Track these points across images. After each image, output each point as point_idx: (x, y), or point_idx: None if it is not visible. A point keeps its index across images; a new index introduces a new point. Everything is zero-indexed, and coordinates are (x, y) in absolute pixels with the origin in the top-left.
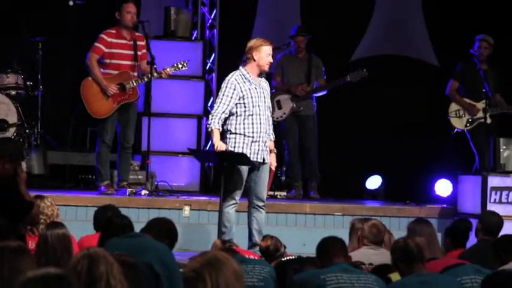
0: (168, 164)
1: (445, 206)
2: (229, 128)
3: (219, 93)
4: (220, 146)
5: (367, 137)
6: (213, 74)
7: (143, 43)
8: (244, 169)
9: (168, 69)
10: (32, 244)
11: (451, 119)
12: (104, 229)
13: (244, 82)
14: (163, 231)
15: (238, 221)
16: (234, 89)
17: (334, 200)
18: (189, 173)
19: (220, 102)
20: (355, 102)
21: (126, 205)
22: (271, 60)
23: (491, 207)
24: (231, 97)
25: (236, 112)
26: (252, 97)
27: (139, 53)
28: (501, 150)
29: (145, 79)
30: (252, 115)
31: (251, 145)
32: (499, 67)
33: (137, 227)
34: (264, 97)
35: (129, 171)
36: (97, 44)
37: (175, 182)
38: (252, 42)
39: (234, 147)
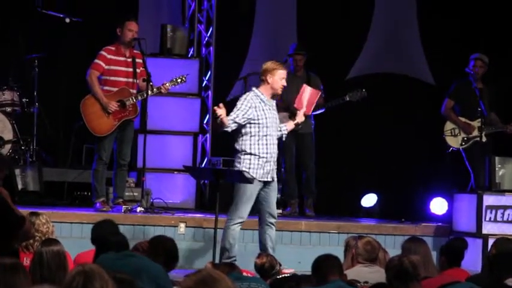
0: (163, 181)
1: (440, 224)
2: (243, 148)
3: (235, 108)
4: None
5: (362, 155)
6: (209, 92)
7: (141, 60)
8: (255, 188)
9: (167, 84)
10: (26, 261)
11: (447, 137)
12: (99, 246)
13: (260, 103)
14: (160, 251)
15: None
16: (250, 107)
17: (330, 218)
18: (184, 190)
19: (234, 112)
20: (352, 120)
21: (121, 222)
22: (285, 84)
23: (486, 225)
24: (246, 111)
25: (250, 132)
26: (266, 118)
27: (138, 70)
28: (496, 168)
29: (145, 95)
30: (266, 136)
31: (264, 165)
32: (494, 86)
33: (132, 244)
34: (276, 118)
35: (124, 188)
36: (97, 61)
37: (170, 199)
38: (267, 65)
39: (249, 168)
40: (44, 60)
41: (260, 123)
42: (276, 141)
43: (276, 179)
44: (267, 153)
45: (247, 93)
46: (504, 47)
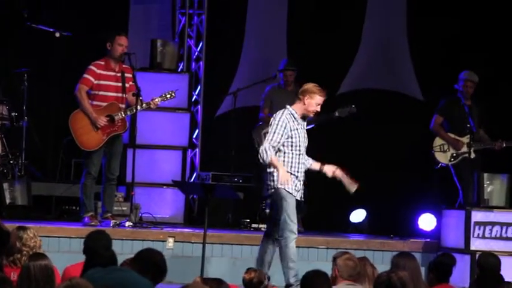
0: (152, 196)
1: (428, 240)
2: None
3: (270, 129)
4: (285, 174)
5: (351, 170)
6: (199, 106)
7: (130, 75)
8: (293, 202)
9: (156, 100)
10: (14, 275)
11: (436, 153)
12: (88, 260)
13: (293, 121)
14: (149, 264)
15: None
16: (285, 128)
17: (318, 233)
18: (173, 204)
19: (271, 138)
20: (341, 136)
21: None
22: (319, 110)
23: (474, 242)
24: (282, 134)
25: (284, 150)
26: (299, 137)
27: (127, 85)
28: (485, 185)
29: (134, 110)
30: (298, 155)
31: (296, 183)
32: (483, 103)
33: (120, 259)
34: (305, 138)
35: (113, 202)
36: (86, 76)
37: (159, 214)
38: (308, 86)
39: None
40: (34, 74)
41: (293, 142)
42: (305, 160)
43: (303, 199)
44: (298, 171)
45: (281, 113)
46: (492, 63)
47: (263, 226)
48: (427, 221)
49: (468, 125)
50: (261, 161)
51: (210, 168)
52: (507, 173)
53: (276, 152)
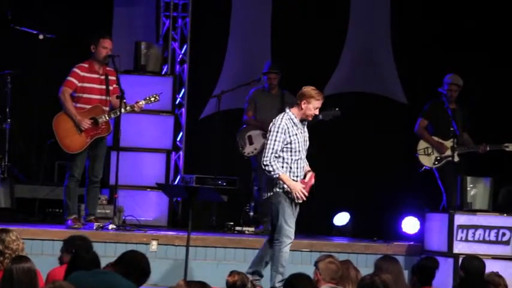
0: (136, 199)
1: (412, 243)
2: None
3: (270, 137)
4: (297, 187)
5: (335, 174)
6: (183, 109)
7: (114, 78)
8: (291, 207)
9: (140, 103)
10: None
11: (420, 156)
12: (70, 262)
13: (293, 126)
14: (132, 266)
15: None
16: (284, 134)
17: (302, 236)
18: (157, 207)
19: (272, 147)
20: (324, 139)
21: (93, 239)
22: (317, 113)
23: (457, 245)
24: (281, 141)
25: (283, 156)
26: (298, 142)
27: (110, 87)
28: (468, 188)
29: (118, 113)
30: (297, 160)
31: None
32: (467, 106)
33: (104, 262)
34: (306, 141)
35: (96, 205)
36: (70, 78)
37: (143, 217)
38: (306, 90)
39: (283, 188)
40: (17, 77)
41: (293, 148)
42: (305, 165)
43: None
44: (297, 176)
45: (281, 118)
46: (476, 66)
47: (247, 229)
48: (410, 224)
49: (451, 129)
50: (267, 174)
51: (194, 171)
52: (490, 176)
53: (276, 158)
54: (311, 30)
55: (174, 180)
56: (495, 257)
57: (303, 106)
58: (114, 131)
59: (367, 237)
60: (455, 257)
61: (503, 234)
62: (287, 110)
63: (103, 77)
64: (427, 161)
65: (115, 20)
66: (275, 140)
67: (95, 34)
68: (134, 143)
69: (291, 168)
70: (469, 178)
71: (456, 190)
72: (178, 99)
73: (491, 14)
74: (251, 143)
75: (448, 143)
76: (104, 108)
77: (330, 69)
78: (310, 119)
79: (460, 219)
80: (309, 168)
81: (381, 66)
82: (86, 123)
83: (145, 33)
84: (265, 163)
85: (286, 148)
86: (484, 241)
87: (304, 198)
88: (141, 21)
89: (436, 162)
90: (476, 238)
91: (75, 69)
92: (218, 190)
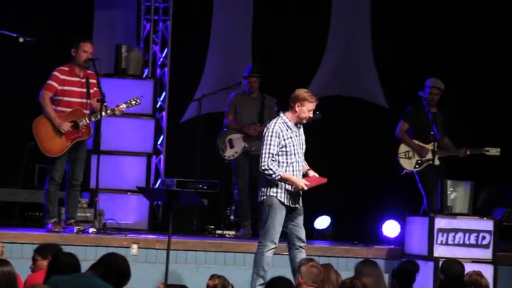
0: (116, 202)
1: (392, 247)
2: None
3: (264, 142)
4: (302, 182)
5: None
6: (164, 112)
7: (95, 81)
8: (282, 212)
9: (121, 106)
10: None
11: (401, 159)
12: (50, 266)
13: (287, 130)
14: (112, 268)
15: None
16: (278, 137)
17: (283, 240)
18: (137, 211)
19: (268, 151)
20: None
21: (73, 243)
22: (311, 116)
23: (438, 248)
24: (276, 145)
25: (279, 160)
26: (293, 145)
27: (91, 90)
28: (448, 192)
29: (98, 116)
30: (293, 163)
31: (290, 191)
32: (448, 110)
33: (84, 265)
34: (302, 144)
35: (77, 208)
36: (50, 82)
37: (123, 220)
38: (299, 93)
39: (277, 193)
40: None
41: (288, 151)
42: (302, 167)
43: (301, 204)
44: None
45: (274, 122)
46: (457, 70)
47: (228, 232)
48: (391, 228)
49: (432, 133)
50: (269, 178)
51: (174, 174)
52: (470, 180)
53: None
54: (292, 34)
55: (155, 183)
56: (475, 261)
57: (297, 109)
58: (94, 135)
59: (347, 241)
60: (436, 260)
61: (483, 238)
62: (281, 114)
63: (83, 80)
64: (408, 164)
65: (96, 23)
66: (270, 144)
67: (76, 38)
68: (115, 147)
69: (286, 172)
70: (449, 182)
71: (436, 194)
72: (159, 103)
73: (471, 18)
74: (232, 147)
75: (429, 147)
76: (85, 111)
77: (310, 73)
78: (304, 121)
79: (441, 222)
80: (309, 168)
81: (361, 70)
82: (66, 127)
83: (126, 37)
84: (263, 168)
85: (281, 152)
86: (464, 245)
87: (305, 188)
88: (121, 24)
89: (417, 166)
90: (456, 242)
91: (55, 73)
92: (199, 194)
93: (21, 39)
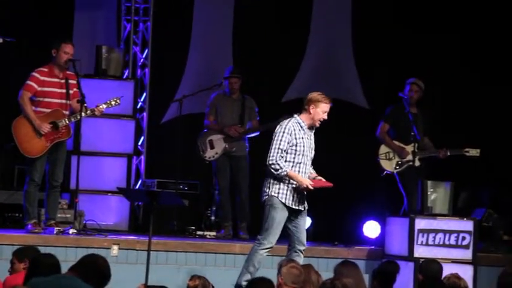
0: (97, 203)
1: (373, 247)
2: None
3: (275, 138)
4: (307, 181)
5: None
6: (144, 113)
7: (75, 82)
8: (284, 214)
9: (101, 106)
10: None
11: (381, 160)
12: (30, 268)
13: (300, 130)
14: (92, 269)
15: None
16: (290, 135)
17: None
18: (118, 212)
19: (278, 147)
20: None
21: (53, 244)
22: (326, 118)
23: (418, 249)
24: (287, 141)
25: (286, 158)
26: (303, 146)
27: (71, 91)
28: (428, 192)
29: (78, 117)
30: (300, 163)
31: (294, 193)
32: (428, 111)
33: (64, 266)
34: (311, 148)
35: (57, 209)
36: (29, 82)
37: (104, 221)
38: (313, 95)
39: (278, 193)
40: None
41: (297, 150)
42: (308, 170)
43: (306, 208)
44: None
45: (288, 120)
46: (437, 71)
47: (208, 233)
48: (371, 229)
49: (412, 133)
50: (275, 173)
51: (155, 175)
52: (451, 180)
53: None
54: (273, 35)
55: (135, 184)
56: (455, 261)
57: (311, 111)
58: (74, 135)
59: (328, 242)
60: (416, 261)
61: (463, 238)
62: (295, 115)
63: (63, 81)
64: (388, 165)
65: (76, 23)
66: (281, 140)
67: (57, 39)
68: (95, 147)
69: (292, 171)
70: (429, 182)
71: (417, 194)
72: (140, 104)
73: (453, 19)
74: (212, 148)
75: (409, 148)
76: (64, 112)
77: (291, 75)
78: (317, 124)
79: (421, 223)
80: (316, 174)
81: (342, 71)
82: (46, 127)
83: (106, 37)
84: (270, 162)
85: (290, 149)
86: (444, 245)
87: (311, 188)
88: (102, 25)
89: (397, 167)
90: (436, 242)
91: (35, 74)
92: (179, 194)
93: (0, 40)
